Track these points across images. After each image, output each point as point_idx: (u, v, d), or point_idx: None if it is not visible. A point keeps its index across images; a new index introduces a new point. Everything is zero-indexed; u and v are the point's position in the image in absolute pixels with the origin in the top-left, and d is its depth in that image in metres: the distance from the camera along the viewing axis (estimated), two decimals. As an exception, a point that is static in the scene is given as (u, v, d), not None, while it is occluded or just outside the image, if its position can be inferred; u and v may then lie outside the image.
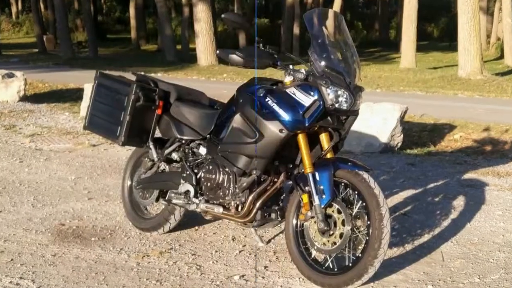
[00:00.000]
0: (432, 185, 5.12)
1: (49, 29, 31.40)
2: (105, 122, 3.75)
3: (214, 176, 3.30)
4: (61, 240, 3.69)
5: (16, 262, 3.32)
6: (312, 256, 3.10)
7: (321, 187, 2.95)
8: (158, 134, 3.77)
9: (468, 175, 5.45)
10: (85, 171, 5.45)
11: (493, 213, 4.34)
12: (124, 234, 3.84)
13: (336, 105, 2.94)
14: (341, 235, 2.93)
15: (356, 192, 2.93)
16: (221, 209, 3.30)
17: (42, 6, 32.62)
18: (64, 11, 23.61)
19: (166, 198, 3.68)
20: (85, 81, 8.91)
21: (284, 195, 3.33)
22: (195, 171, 3.51)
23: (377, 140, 6.42)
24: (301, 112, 2.93)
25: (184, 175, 3.53)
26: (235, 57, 3.03)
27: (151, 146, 3.73)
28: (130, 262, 3.37)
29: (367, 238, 2.87)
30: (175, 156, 3.67)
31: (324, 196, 2.94)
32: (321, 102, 2.93)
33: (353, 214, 2.92)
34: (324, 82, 2.94)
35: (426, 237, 3.82)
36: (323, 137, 3.10)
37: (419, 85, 13.96)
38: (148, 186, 3.84)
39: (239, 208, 3.24)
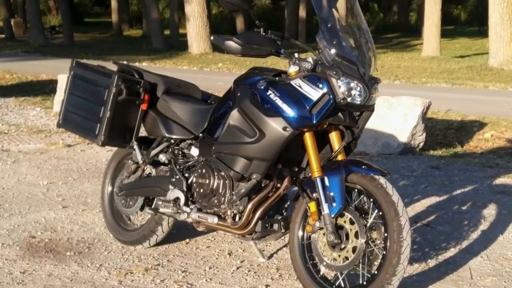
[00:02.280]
0: (459, 191, 5.12)
1: (18, 12, 31.43)
2: (82, 119, 3.75)
3: (207, 181, 3.30)
4: (32, 255, 3.69)
5: (-20, 280, 3.33)
6: (321, 273, 3.10)
7: (331, 193, 2.95)
8: (143, 132, 3.77)
9: (500, 180, 5.45)
10: (59, 175, 5.46)
11: (530, 224, 4.35)
12: (104, 248, 3.84)
13: (349, 99, 2.94)
14: (354, 249, 2.93)
15: (371, 200, 2.93)
16: (215, 219, 3.30)
17: (9, -15, 32.69)
18: (35, -9, 23.62)
19: (153, 206, 3.68)
20: (59, 71, 8.92)
21: (288, 203, 3.34)
22: (186, 175, 3.51)
23: (396, 140, 6.43)
24: (308, 107, 2.93)
25: (173, 180, 3.53)
26: (232, 44, 3.03)
27: (135, 147, 3.74)
28: (111, 280, 3.37)
29: (384, 252, 2.87)
30: (162, 158, 3.67)
31: (334, 204, 2.94)
32: (331, 96, 2.93)
33: (368, 225, 2.92)
34: (334, 72, 2.94)
35: (452, 252, 3.83)
36: (334, 136, 3.10)
37: (444, 76, 13.97)
38: (131, 193, 3.84)
39: (237, 218, 3.25)
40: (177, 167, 3.56)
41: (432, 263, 3.65)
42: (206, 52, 19.11)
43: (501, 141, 7.20)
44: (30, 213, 4.46)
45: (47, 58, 17.62)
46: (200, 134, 3.44)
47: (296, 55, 3.09)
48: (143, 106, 3.67)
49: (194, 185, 3.41)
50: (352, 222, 2.94)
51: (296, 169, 3.25)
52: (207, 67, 15.85)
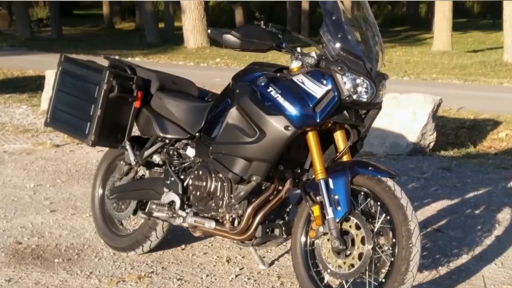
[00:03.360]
0: (471, 194, 5.12)
1: (3, 3, 31.40)
2: (71, 118, 3.76)
3: (204, 183, 3.30)
4: (18, 262, 3.69)
5: (-38, 288, 3.33)
6: (325, 281, 3.10)
7: (336, 196, 2.95)
8: (136, 132, 3.77)
9: (515, 182, 5.45)
10: (46, 177, 5.46)
11: (547, 229, 4.35)
12: (95, 255, 3.84)
13: (354, 97, 2.94)
14: (360, 256, 2.93)
15: (378, 203, 2.93)
16: (213, 224, 3.30)
17: (-7, -25, 32.69)
18: (21, -19, 23.62)
19: (146, 210, 3.68)
20: (47, 67, 8.92)
21: (290, 206, 3.34)
22: (182, 177, 3.51)
23: (405, 140, 6.43)
24: (311, 105, 2.93)
25: (168, 182, 3.53)
26: (230, 37, 3.03)
27: (128, 147, 3.74)
28: (102, 289, 3.37)
29: (392, 259, 2.87)
30: (157, 159, 3.67)
31: (339, 208, 2.94)
32: (335, 93, 2.93)
33: (375, 230, 2.92)
34: (339, 68, 2.94)
35: (464, 258, 3.83)
36: (338, 136, 3.10)
37: (455, 72, 13.98)
38: (124, 196, 3.84)
39: (236, 223, 3.25)
40: (172, 168, 3.56)
41: (443, 270, 3.65)
42: (203, 46, 19.11)
43: (516, 141, 7.21)
44: (16, 217, 4.46)
45: (34, 52, 17.62)
46: (197, 134, 3.44)
47: (298, 49, 3.09)
48: (136, 104, 3.66)
49: (190, 187, 3.41)
50: (358, 227, 2.94)
51: (299, 171, 3.25)
52: (204, 62, 15.85)
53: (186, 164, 3.54)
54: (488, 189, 5.24)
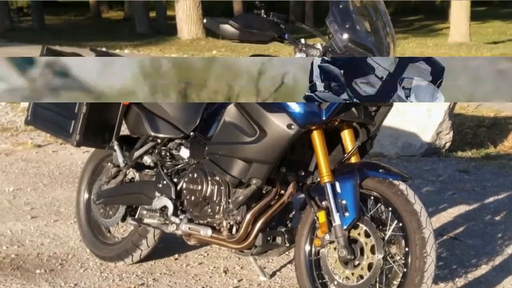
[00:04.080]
0: (491, 199, 5.12)
1: (-21, -10, 31.40)
2: (54, 115, 3.76)
3: (199, 187, 3.30)
4: (-4, 273, 3.70)
5: None
6: (331, 294, 3.10)
7: (343, 201, 2.95)
8: (125, 131, 3.77)
9: (539, 186, 5.46)
10: (27, 180, 5.46)
11: None
12: (80, 265, 3.84)
13: (364, 92, 2.94)
14: (369, 266, 2.93)
15: (390, 209, 2.93)
16: (209, 231, 3.30)
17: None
18: (-1, -34, 23.63)
19: (136, 216, 3.68)
20: (28, 60, 8.90)
21: (293, 212, 3.34)
22: (175, 180, 3.51)
23: (418, 139, 6.43)
24: (316, 102, 2.93)
25: (160, 185, 3.53)
26: (228, 28, 3.03)
27: (116, 147, 3.74)
28: (88, 302, 3.38)
29: (405, 270, 2.87)
30: (147, 160, 3.67)
31: (347, 214, 2.94)
32: (343, 88, 2.93)
33: (386, 238, 2.93)
34: (347, 61, 2.94)
35: (483, 269, 3.83)
36: (346, 135, 3.10)
37: (474, 65, 13.96)
38: (111, 201, 3.84)
39: (234, 230, 3.25)
40: (165, 170, 3.56)
41: (460, 282, 3.65)
42: (198, 37, 19.13)
43: (540, 141, 7.22)
44: (-6, 224, 4.46)
45: (14, 44, 17.63)
46: (191, 133, 3.45)
47: (302, 40, 3.09)
48: (125, 100, 3.67)
49: (184, 191, 3.41)
50: (367, 235, 2.94)
51: (303, 173, 3.25)
52: (199, 54, 15.85)
53: (179, 166, 3.54)
54: (509, 194, 5.24)
